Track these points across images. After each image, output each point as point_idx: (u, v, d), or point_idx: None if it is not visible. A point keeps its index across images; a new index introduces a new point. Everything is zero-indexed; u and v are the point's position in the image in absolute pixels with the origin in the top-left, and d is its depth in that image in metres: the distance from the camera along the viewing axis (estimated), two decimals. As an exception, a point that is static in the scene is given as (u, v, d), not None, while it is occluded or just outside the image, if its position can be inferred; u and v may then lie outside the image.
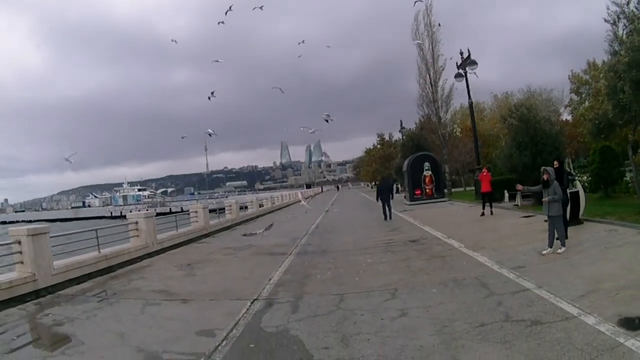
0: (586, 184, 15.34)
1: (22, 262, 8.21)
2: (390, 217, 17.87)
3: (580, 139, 36.98)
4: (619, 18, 18.48)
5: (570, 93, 41.79)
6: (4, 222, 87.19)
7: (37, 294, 8.03)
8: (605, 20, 24.98)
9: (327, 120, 26.34)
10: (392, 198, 19.27)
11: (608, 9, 24.70)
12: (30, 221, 70.86)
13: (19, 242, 8.24)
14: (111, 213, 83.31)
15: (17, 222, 76.30)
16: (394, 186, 48.99)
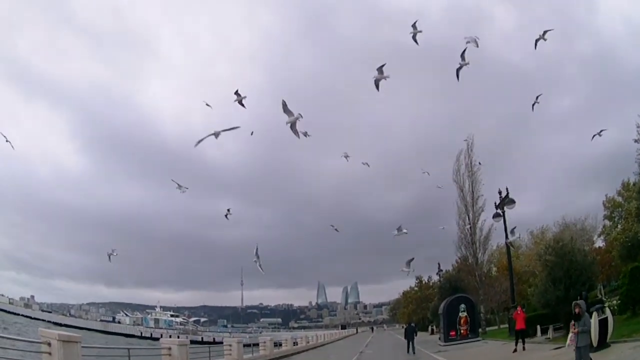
0: (615, 307, 15.35)
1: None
2: (413, 352, 21.40)
3: (612, 263, 35.92)
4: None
5: (604, 219, 41.37)
6: (30, 317, 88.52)
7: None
8: (635, 141, 24.42)
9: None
10: (416, 335, 23.94)
11: (638, 127, 23.98)
12: (60, 324, 75.34)
13: (49, 344, 8.33)
14: (141, 333, 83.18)
15: (44, 320, 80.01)
16: (430, 327, 49.37)
